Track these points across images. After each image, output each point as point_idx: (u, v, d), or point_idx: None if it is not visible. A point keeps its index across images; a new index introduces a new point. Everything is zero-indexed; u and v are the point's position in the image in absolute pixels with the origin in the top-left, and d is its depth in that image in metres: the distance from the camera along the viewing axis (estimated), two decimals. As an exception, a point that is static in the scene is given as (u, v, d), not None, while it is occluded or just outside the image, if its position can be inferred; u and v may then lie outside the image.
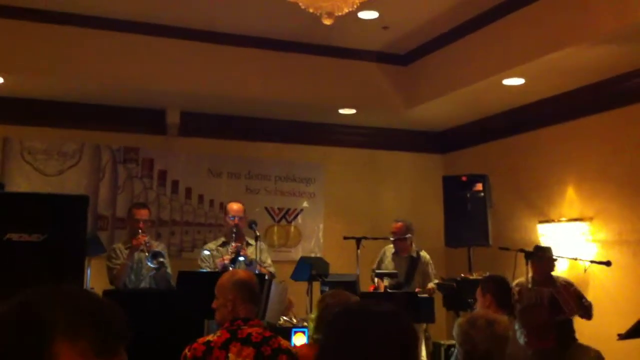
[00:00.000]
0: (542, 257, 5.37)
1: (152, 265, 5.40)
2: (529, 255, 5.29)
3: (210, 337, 3.15)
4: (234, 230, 5.84)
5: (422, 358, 6.08)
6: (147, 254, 5.51)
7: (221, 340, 3.08)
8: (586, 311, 5.10)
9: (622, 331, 4.69)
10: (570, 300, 4.95)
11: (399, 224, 6.67)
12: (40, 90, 6.83)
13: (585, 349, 4.40)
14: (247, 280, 3.23)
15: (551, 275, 5.40)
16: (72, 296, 1.10)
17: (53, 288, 1.12)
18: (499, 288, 4.56)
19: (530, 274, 5.33)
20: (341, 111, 7.64)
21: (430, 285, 6.39)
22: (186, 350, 3.11)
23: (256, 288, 3.24)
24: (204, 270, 5.67)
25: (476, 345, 2.81)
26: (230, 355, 3.03)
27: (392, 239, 6.63)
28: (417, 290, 6.26)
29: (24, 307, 1.08)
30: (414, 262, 6.60)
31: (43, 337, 1.04)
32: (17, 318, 1.07)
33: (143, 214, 5.86)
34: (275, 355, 3.06)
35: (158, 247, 5.81)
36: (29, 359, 1.04)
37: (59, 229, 4.34)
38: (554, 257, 5.49)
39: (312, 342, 3.78)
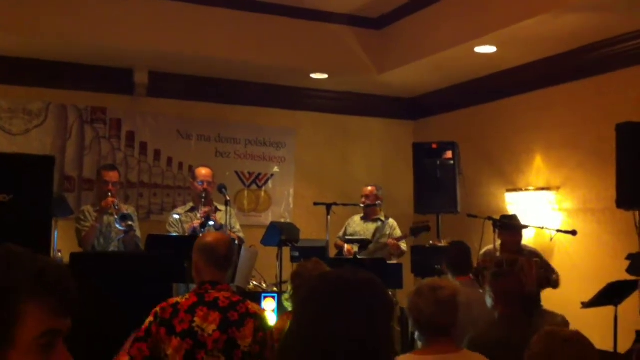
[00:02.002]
0: (511, 226, 5.42)
1: (120, 228, 5.35)
2: (496, 224, 5.34)
3: (178, 299, 3.13)
4: (203, 195, 5.79)
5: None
6: (115, 216, 5.45)
7: (188, 303, 3.06)
8: (553, 284, 5.12)
9: (586, 299, 4.80)
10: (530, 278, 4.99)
11: (370, 187, 6.73)
12: (4, 48, 6.64)
13: (551, 315, 4.48)
14: (212, 244, 3.15)
15: (520, 245, 5.46)
16: (31, 259, 1.14)
17: (9, 250, 1.15)
18: (452, 256, 4.64)
19: (498, 242, 5.38)
20: (313, 76, 7.58)
21: (395, 239, 6.46)
22: (157, 308, 3.09)
23: (221, 252, 3.13)
24: (173, 235, 5.62)
25: (422, 311, 2.83)
26: (196, 319, 3.01)
27: (362, 205, 6.67)
28: (389, 240, 6.34)
29: None
30: (382, 226, 6.66)
31: (11, 299, 1.09)
32: None
33: (112, 176, 5.77)
34: (242, 319, 3.02)
35: (127, 210, 5.75)
36: None
37: (24, 190, 4.27)
38: (523, 226, 5.55)
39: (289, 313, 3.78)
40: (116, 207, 5.49)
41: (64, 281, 1.14)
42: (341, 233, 6.83)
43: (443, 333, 2.83)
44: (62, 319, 1.13)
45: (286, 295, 3.86)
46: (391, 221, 6.76)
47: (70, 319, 1.15)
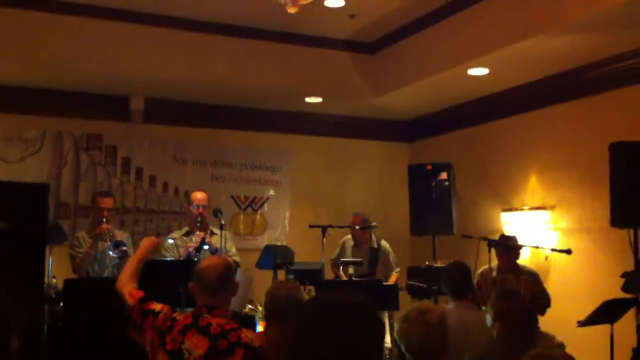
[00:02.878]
0: (508, 247, 5.42)
1: (114, 255, 5.35)
2: (491, 244, 5.35)
3: (178, 315, 3.13)
4: (198, 219, 5.80)
5: (387, 344, 6.12)
6: (109, 243, 5.45)
7: (184, 322, 3.05)
8: (539, 309, 5.06)
9: (582, 317, 4.79)
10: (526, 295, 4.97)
11: (358, 217, 6.72)
12: (0, 76, 6.69)
13: (549, 338, 4.46)
14: (202, 269, 3.14)
15: (517, 265, 5.46)
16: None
17: None
18: (452, 277, 4.53)
19: (495, 263, 5.38)
20: (308, 99, 7.62)
21: (393, 277, 6.49)
22: (166, 309, 3.15)
23: (210, 277, 3.09)
24: (168, 259, 5.62)
25: (410, 337, 2.79)
26: (186, 340, 2.99)
27: (357, 227, 6.67)
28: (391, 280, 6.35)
29: None
30: (375, 253, 6.66)
31: None
32: None
33: (107, 202, 5.78)
34: (231, 349, 2.95)
35: (122, 236, 5.75)
36: None
37: (19, 218, 4.30)
38: (519, 246, 5.55)
39: (265, 329, 3.79)
40: (110, 234, 5.49)
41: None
42: (335, 255, 6.81)
43: (434, 358, 2.81)
44: None
45: (259, 315, 3.85)
46: (384, 243, 6.76)
47: None
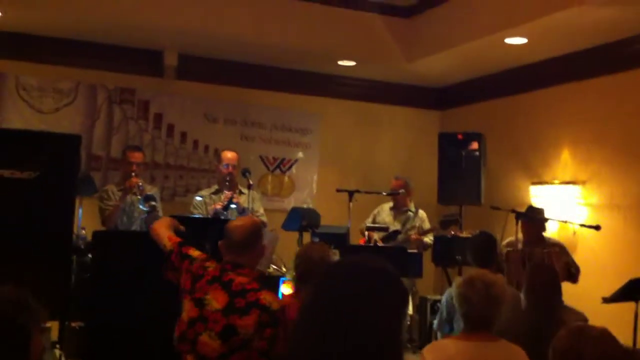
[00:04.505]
0: (534, 219, 5.38)
1: (144, 209, 5.40)
2: (519, 216, 5.31)
3: (209, 264, 3.18)
4: (227, 178, 5.83)
5: (409, 312, 6.15)
6: (139, 197, 5.51)
7: (213, 273, 3.10)
8: (572, 278, 5.11)
9: (607, 294, 4.75)
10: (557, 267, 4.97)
11: (399, 181, 6.72)
12: (36, 26, 6.72)
13: (571, 311, 4.44)
14: (232, 228, 3.18)
15: (542, 237, 5.42)
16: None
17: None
18: (477, 247, 4.57)
19: (520, 235, 5.35)
20: (340, 62, 7.56)
21: (427, 236, 6.48)
22: (204, 256, 3.25)
23: (235, 237, 3.13)
24: (196, 216, 5.67)
25: (473, 304, 2.92)
26: (210, 292, 3.03)
27: (384, 193, 6.68)
28: (414, 234, 6.33)
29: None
30: (412, 218, 6.66)
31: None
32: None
33: (137, 157, 5.84)
34: (248, 309, 2.94)
35: (151, 190, 5.80)
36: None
37: (50, 168, 4.34)
38: (545, 219, 5.50)
39: (295, 291, 3.82)
40: (140, 188, 5.55)
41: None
42: (369, 220, 6.84)
43: (487, 326, 2.95)
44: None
45: (289, 276, 3.89)
46: (421, 212, 6.77)
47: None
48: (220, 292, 3.03)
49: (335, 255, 4.53)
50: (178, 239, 3.37)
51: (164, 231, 3.45)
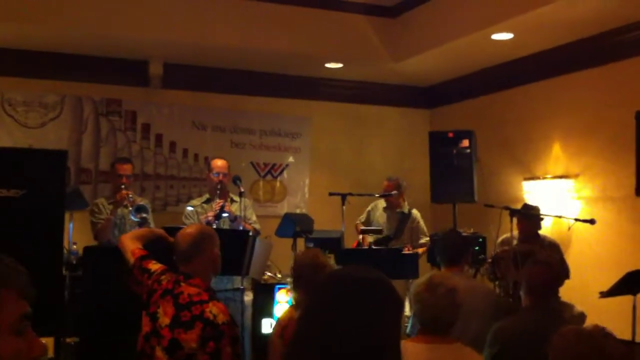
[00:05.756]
0: (528, 215, 5.35)
1: (135, 220, 5.35)
2: (514, 213, 5.28)
3: (164, 278, 3.10)
4: (218, 186, 5.78)
5: (406, 313, 6.11)
6: (130, 208, 5.46)
7: (166, 287, 3.04)
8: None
9: (605, 288, 4.73)
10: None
11: (392, 182, 6.70)
12: (20, 40, 6.66)
13: (569, 307, 4.43)
14: (176, 237, 3.12)
15: (537, 234, 5.39)
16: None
17: None
18: (446, 246, 4.42)
19: (515, 232, 5.32)
20: (327, 65, 7.53)
21: (422, 247, 6.44)
22: (162, 269, 3.16)
23: (181, 245, 3.06)
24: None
25: (426, 308, 2.86)
26: (161, 306, 2.98)
27: (377, 195, 6.66)
28: (406, 248, 6.25)
29: None
30: (405, 218, 6.64)
31: None
32: None
33: (126, 169, 5.79)
34: (192, 322, 2.88)
35: (141, 202, 5.75)
36: None
37: (38, 184, 4.29)
38: (540, 217, 5.47)
39: (294, 304, 3.78)
40: (130, 199, 5.50)
41: (21, 272, 1.40)
42: (363, 217, 6.83)
43: (440, 328, 2.87)
44: (26, 302, 1.37)
45: (289, 286, 3.86)
46: (415, 212, 6.74)
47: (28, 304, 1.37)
48: (170, 305, 2.97)
49: (330, 259, 4.49)
50: (141, 253, 3.27)
51: (129, 244, 3.34)
